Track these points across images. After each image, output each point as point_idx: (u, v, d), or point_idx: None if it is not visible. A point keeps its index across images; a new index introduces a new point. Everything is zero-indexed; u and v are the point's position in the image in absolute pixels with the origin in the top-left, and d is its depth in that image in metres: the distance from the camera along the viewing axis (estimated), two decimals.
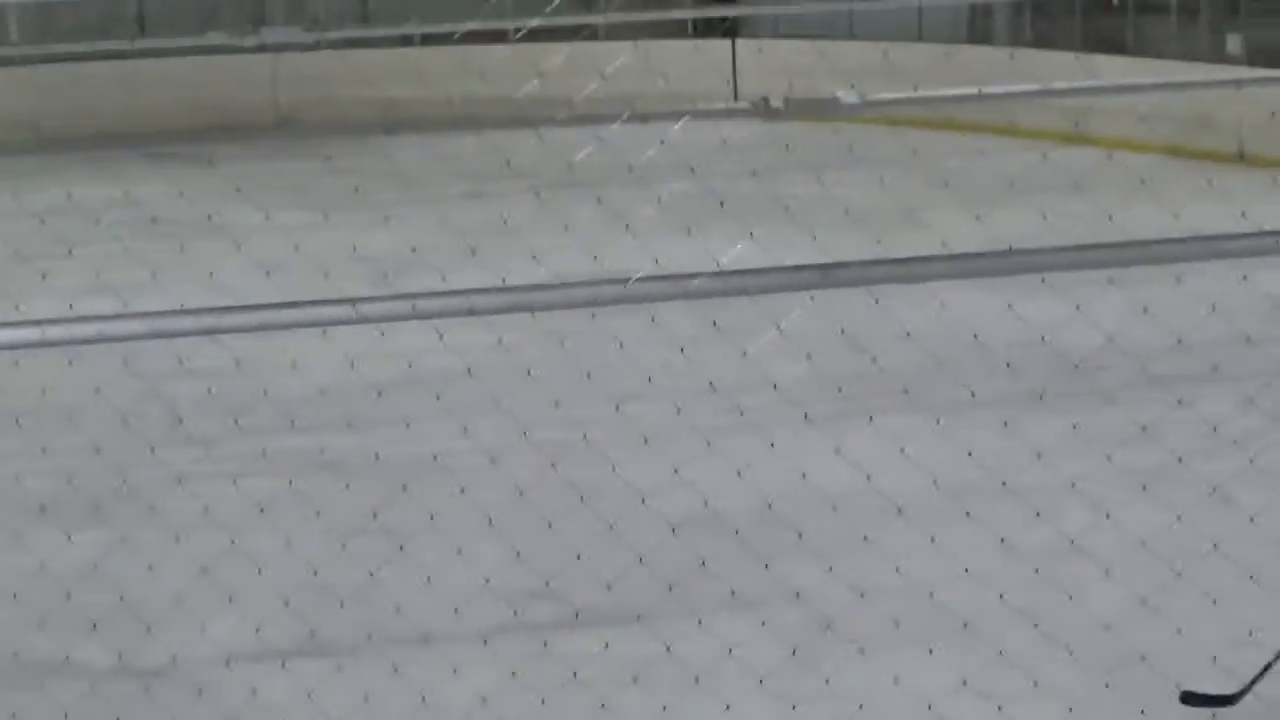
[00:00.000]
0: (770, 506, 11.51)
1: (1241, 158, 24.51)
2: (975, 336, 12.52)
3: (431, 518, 11.48)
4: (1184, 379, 13.38)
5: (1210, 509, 10.80)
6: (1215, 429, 11.35)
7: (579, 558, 10.85)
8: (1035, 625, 9.53)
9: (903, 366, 13.94)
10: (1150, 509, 10.44)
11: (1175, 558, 9.81)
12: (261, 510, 12.20)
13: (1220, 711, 9.85)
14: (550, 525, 11.33)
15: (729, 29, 31.20)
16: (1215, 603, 9.33)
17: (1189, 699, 10.32)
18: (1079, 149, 21.68)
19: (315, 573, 11.19)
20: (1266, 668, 10.50)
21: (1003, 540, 10.50)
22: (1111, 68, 25.34)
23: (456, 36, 25.07)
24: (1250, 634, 9.40)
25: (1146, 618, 9.47)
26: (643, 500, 11.03)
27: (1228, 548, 9.75)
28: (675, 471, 10.97)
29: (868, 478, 10.98)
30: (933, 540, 10.30)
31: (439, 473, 12.99)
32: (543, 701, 9.52)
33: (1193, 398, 12.89)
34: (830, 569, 10.21)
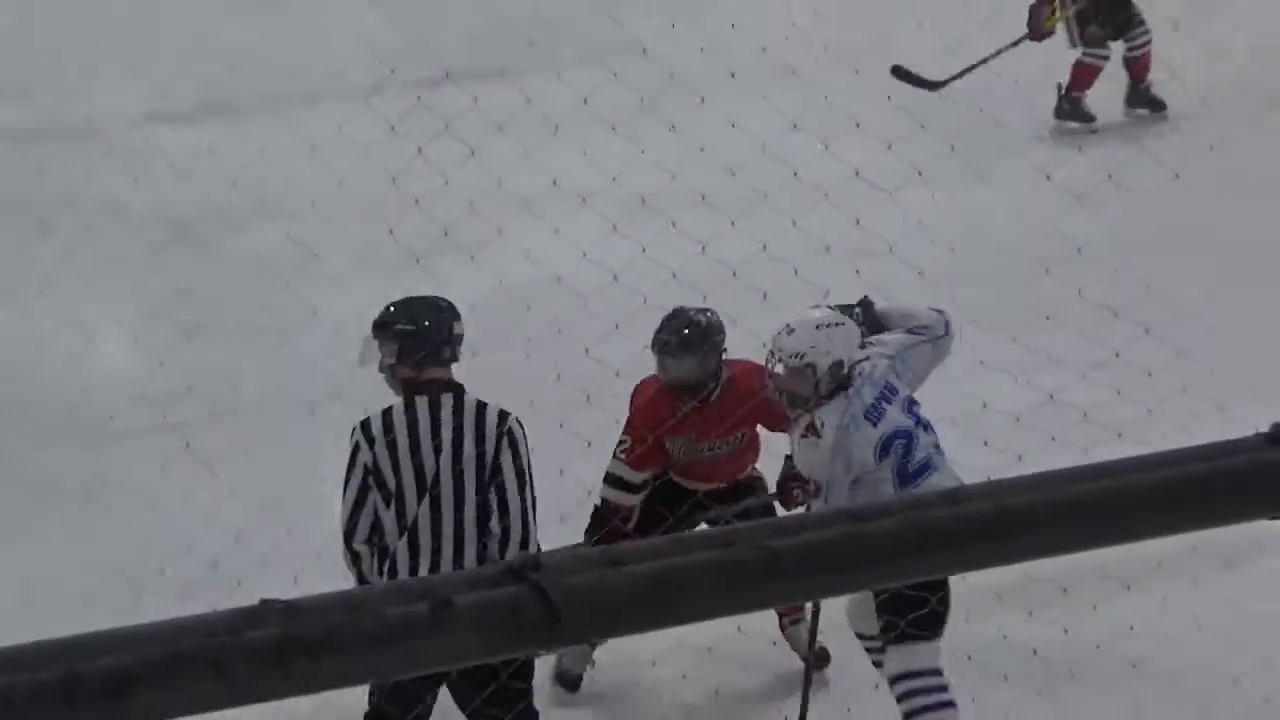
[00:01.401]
0: None
1: None
2: None
3: None
4: None
5: None
6: None
7: (445, 16, 10.25)
8: (856, 71, 9.00)
9: None
10: None
11: None
12: None
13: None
14: None
15: None
16: None
17: (898, 73, 9.56)
18: None
19: (203, 39, 10.54)
20: (969, 68, 9.66)
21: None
22: None
23: None
24: None
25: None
26: None
27: None
28: None
29: None
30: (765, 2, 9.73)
31: None
32: (419, 150, 8.98)
33: None
34: (673, 26, 9.61)
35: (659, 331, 5.74)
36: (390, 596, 1.70)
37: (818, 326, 5.27)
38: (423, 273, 8.09)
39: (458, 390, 4.88)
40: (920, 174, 8.26)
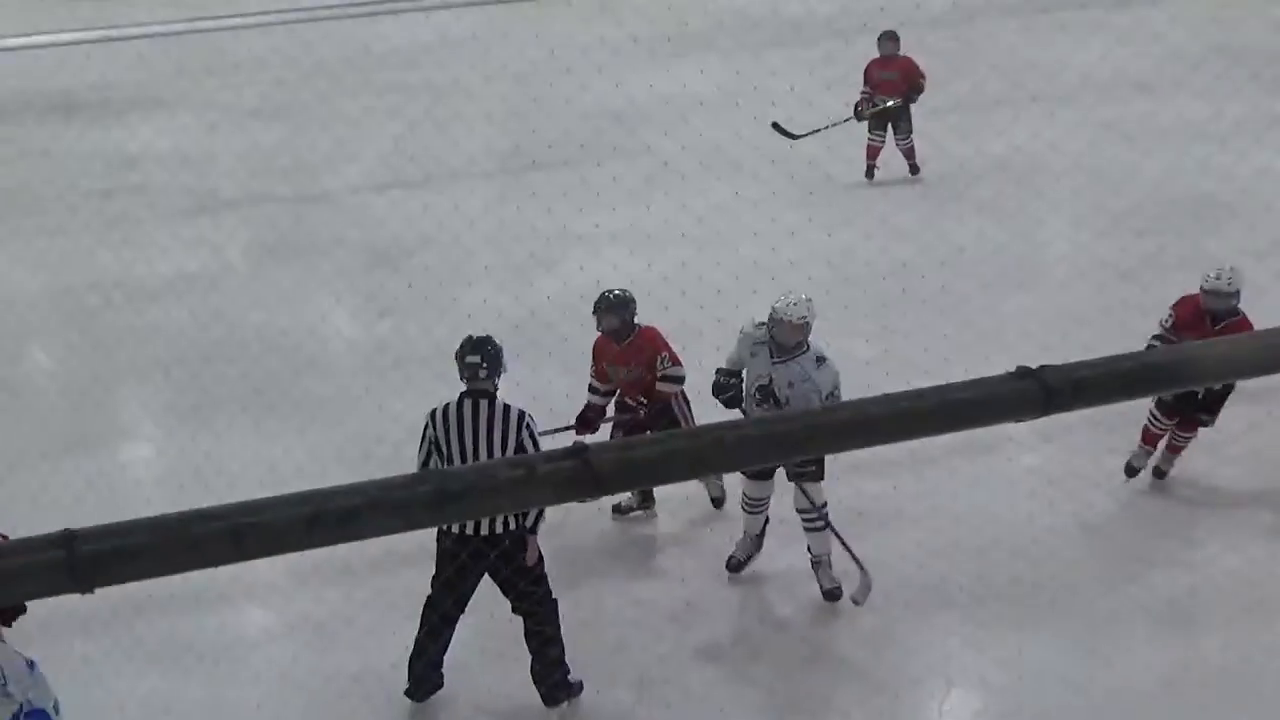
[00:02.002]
0: (634, 106, 10.74)
1: None
2: None
3: (455, 113, 10.70)
4: None
5: None
6: None
7: (534, 131, 10.19)
8: (773, 162, 8.93)
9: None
10: None
11: None
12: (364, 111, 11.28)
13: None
14: (516, 117, 10.65)
15: None
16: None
17: (775, 127, 9.12)
18: None
19: (396, 143, 10.47)
20: (820, 129, 9.26)
21: (756, 118, 9.69)
22: None
23: None
24: None
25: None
26: (566, 101, 10.35)
27: None
28: (582, 87, 10.21)
29: (683, 85, 10.16)
30: (717, 122, 9.58)
31: (461, 93, 12.07)
32: (518, 208, 9.01)
33: None
34: (665, 134, 9.54)
35: (596, 301, 5.60)
36: (501, 467, 1.71)
37: (806, 299, 5.08)
38: (520, 279, 8.10)
39: (491, 397, 4.67)
40: (810, 219, 8.24)
